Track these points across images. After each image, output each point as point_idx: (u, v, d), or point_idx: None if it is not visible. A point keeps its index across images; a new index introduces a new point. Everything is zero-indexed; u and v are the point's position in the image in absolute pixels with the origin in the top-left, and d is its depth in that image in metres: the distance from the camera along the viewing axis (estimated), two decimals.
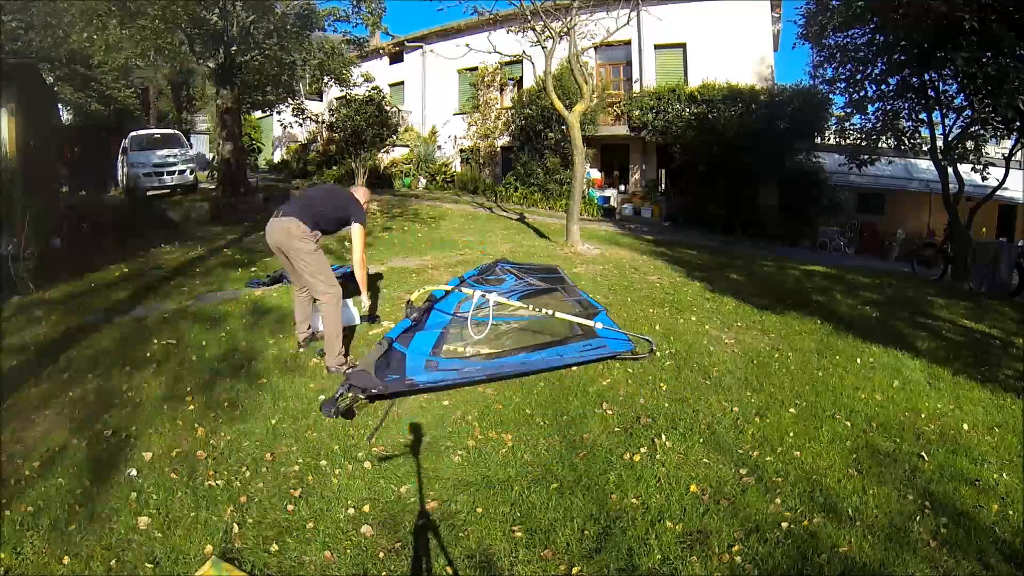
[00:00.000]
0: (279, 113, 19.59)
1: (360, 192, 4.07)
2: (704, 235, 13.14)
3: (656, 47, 15.88)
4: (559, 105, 8.88)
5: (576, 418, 3.19)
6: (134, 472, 2.62)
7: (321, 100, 20.69)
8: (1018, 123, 8.70)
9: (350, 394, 3.06)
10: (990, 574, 2.12)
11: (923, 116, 10.03)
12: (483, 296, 4.13)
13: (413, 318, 4.10)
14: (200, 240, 8.14)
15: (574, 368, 3.83)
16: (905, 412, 3.40)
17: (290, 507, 2.43)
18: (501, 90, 18.82)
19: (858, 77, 10.18)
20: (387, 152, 15.96)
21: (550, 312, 4.08)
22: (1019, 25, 7.48)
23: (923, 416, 3.35)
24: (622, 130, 15.83)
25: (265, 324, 4.50)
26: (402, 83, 21.97)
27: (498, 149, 18.73)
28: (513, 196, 16.14)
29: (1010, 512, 2.45)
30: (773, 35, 15.44)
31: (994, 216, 15.29)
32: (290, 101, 18.22)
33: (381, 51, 22.26)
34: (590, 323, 4.16)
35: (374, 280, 5.99)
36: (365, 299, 3.99)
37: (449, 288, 4.67)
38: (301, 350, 3.99)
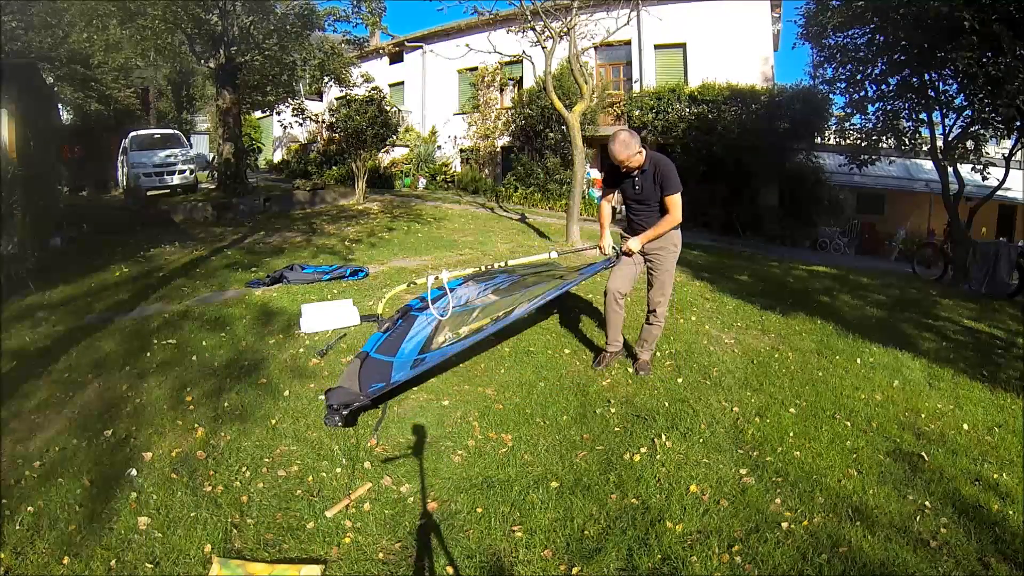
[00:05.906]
0: (279, 113, 19.61)
1: None
2: (704, 235, 13.14)
3: (656, 47, 15.89)
4: (559, 105, 8.87)
5: (576, 418, 3.19)
6: (134, 472, 2.62)
7: (321, 100, 20.69)
8: (1018, 123, 8.70)
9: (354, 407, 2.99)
10: (990, 574, 2.12)
11: (923, 116, 10.04)
12: (449, 296, 3.98)
13: (384, 328, 3.90)
14: (201, 241, 8.15)
15: (574, 368, 3.83)
16: (905, 412, 3.40)
17: (290, 507, 2.43)
18: (501, 90, 18.82)
19: (858, 77, 10.20)
20: (387, 152, 15.98)
21: (517, 275, 3.98)
22: (1019, 25, 7.48)
23: (923, 416, 3.35)
24: None
25: (266, 325, 4.50)
26: (402, 83, 21.97)
27: (498, 149, 18.73)
28: (513, 196, 16.15)
29: (1010, 512, 2.45)
30: (773, 35, 15.45)
31: (994, 216, 15.31)
32: (290, 101, 18.24)
33: (381, 51, 22.27)
34: (573, 273, 4.10)
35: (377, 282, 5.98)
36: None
37: (427, 299, 4.27)
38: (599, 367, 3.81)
